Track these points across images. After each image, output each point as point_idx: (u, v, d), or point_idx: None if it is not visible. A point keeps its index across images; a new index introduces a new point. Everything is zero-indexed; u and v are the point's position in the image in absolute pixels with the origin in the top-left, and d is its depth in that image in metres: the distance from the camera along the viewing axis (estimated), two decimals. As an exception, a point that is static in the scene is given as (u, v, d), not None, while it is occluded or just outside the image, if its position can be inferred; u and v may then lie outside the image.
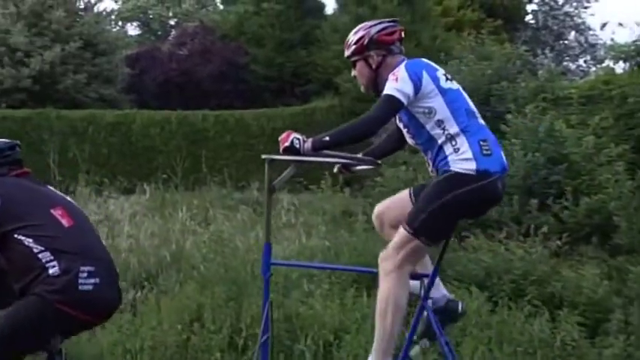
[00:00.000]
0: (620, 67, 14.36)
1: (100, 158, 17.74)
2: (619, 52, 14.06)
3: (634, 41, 13.53)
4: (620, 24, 43.24)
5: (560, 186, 7.88)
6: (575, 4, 33.28)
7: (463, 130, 3.68)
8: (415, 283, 3.85)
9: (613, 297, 5.73)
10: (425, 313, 3.88)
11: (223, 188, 13.45)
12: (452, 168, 3.66)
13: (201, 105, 20.62)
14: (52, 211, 3.52)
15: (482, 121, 3.80)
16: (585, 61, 33.99)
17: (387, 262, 3.70)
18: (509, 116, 8.97)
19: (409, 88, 3.66)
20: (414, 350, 3.97)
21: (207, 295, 5.66)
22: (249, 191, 14.11)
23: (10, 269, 3.49)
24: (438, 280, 3.96)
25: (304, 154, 3.68)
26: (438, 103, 3.71)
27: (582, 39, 33.75)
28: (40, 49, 20.66)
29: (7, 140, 3.80)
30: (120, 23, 36.82)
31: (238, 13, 24.20)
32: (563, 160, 8.10)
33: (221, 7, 31.33)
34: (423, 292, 3.86)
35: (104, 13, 26.47)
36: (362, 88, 4.06)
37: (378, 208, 4.18)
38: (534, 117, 8.65)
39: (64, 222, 3.50)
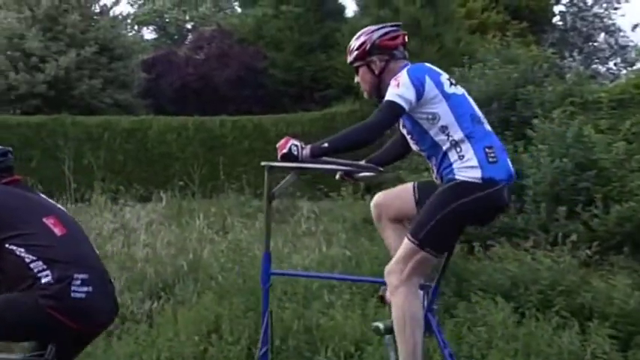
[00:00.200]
0: (652, 70, 14.23)
1: (115, 165, 17.88)
2: (651, 54, 13.92)
3: (666, 43, 13.38)
4: (652, 25, 42.87)
5: (590, 193, 7.82)
6: (605, 4, 33.13)
7: (468, 136, 3.69)
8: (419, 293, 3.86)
9: (645, 308, 5.67)
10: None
11: (241, 195, 13.48)
12: (457, 176, 3.65)
13: (219, 110, 20.71)
14: (44, 219, 3.53)
15: (488, 127, 3.80)
16: (615, 64, 33.81)
17: (392, 276, 3.71)
18: (535, 121, 8.92)
19: (411, 94, 3.67)
20: None
21: (225, 306, 5.68)
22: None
23: (2, 279, 3.51)
24: None
25: (303, 161, 3.69)
26: (442, 109, 3.71)
27: (612, 41, 33.54)
28: (55, 54, 20.86)
29: None
30: (136, 27, 37.20)
31: (256, 17, 24.28)
32: (593, 167, 8.03)
33: (239, 10, 31.52)
34: (426, 302, 3.87)
35: (120, 17, 26.71)
36: (365, 95, 4.09)
37: (378, 197, 4.17)
38: (562, 122, 8.59)
39: (57, 231, 3.52)
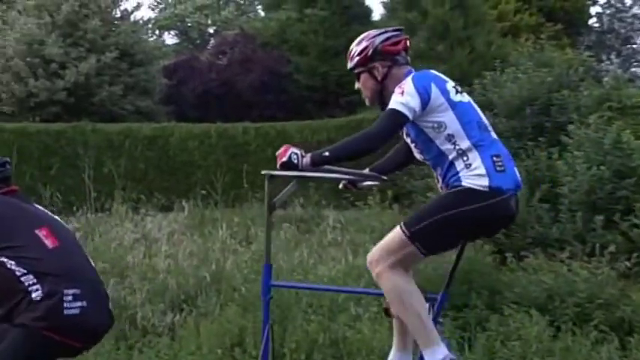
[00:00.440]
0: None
1: (136, 173, 17.98)
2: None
3: None
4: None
5: (628, 201, 7.76)
6: (644, 5, 32.82)
7: (475, 145, 3.69)
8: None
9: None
10: None
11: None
12: (463, 183, 3.67)
13: (242, 116, 20.78)
14: (36, 231, 3.53)
15: (495, 135, 3.82)
16: (655, 67, 33.43)
17: (375, 265, 3.74)
18: (571, 127, 8.88)
19: (416, 102, 3.68)
20: None
21: (248, 319, 5.69)
22: (291, 208, 14.17)
23: None
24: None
25: (303, 170, 3.71)
26: (448, 117, 3.72)
27: (652, 43, 33.22)
28: (75, 60, 21.05)
29: None
30: (157, 32, 37.50)
31: (280, 20, 24.38)
32: (632, 174, 7.97)
33: (262, 13, 31.64)
34: (432, 315, 3.86)
35: (141, 22, 26.93)
36: (366, 102, 4.08)
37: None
38: (599, 127, 8.54)
39: (48, 243, 3.51)
